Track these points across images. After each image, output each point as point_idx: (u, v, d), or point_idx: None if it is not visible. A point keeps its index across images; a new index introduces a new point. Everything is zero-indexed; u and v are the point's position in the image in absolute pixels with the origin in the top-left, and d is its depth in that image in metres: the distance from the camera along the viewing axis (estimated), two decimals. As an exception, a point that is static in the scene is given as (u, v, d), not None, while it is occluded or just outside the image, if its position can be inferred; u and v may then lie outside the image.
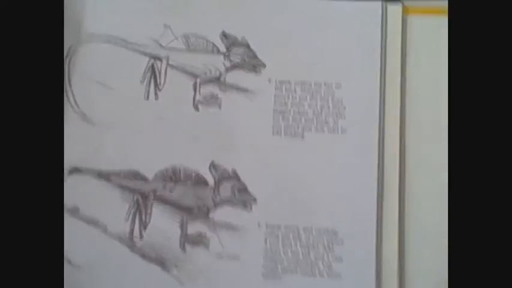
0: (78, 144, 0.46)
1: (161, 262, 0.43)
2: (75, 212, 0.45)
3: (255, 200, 0.43)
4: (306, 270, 0.42)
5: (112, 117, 0.47)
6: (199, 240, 0.44)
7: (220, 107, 0.46)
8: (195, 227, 0.44)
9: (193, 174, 0.45)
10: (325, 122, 0.44)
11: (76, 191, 0.45)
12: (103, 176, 0.46)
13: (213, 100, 0.46)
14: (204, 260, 0.43)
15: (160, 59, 0.48)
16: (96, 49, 0.49)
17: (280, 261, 0.42)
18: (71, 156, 0.46)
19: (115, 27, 0.49)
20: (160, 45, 0.48)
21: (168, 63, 0.47)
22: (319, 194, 0.43)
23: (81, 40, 0.48)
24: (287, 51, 0.46)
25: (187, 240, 0.44)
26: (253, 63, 0.47)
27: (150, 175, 0.45)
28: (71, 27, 0.49)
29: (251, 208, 0.43)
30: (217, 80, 0.47)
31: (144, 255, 0.43)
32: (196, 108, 0.46)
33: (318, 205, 0.43)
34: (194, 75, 0.47)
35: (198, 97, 0.46)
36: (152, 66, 0.48)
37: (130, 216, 0.45)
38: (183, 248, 0.44)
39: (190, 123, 0.46)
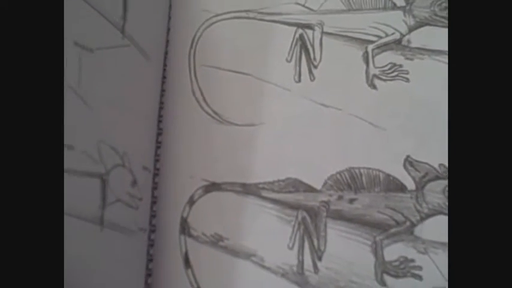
0: (213, 153, 0.33)
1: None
2: (217, 240, 0.31)
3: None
4: None
5: (252, 111, 0.34)
6: (405, 270, 0.29)
7: (407, 80, 0.32)
8: (395, 251, 0.29)
9: (381, 177, 0.31)
10: None
11: (215, 213, 0.32)
12: (250, 190, 0.32)
13: (395, 72, 0.32)
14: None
15: (311, 27, 0.35)
16: (221, 30, 0.36)
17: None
18: (205, 171, 0.32)
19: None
20: (310, 9, 0.35)
21: (322, 31, 0.34)
22: None
23: (204, 26, 0.36)
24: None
25: (387, 270, 0.29)
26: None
27: (317, 183, 0.31)
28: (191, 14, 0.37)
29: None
30: (397, 45, 0.33)
31: (324, 297, 0.29)
32: (373, 86, 0.32)
33: None
34: (363, 43, 0.33)
35: (372, 71, 0.33)
36: (301, 37, 0.34)
37: (297, 242, 0.30)
38: (381, 282, 0.29)
39: (366, 107, 0.32)
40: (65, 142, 0.28)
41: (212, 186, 0.34)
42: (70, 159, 0.28)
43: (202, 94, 0.36)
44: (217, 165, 0.34)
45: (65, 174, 0.28)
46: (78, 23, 0.31)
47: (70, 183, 0.28)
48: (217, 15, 0.37)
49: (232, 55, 0.36)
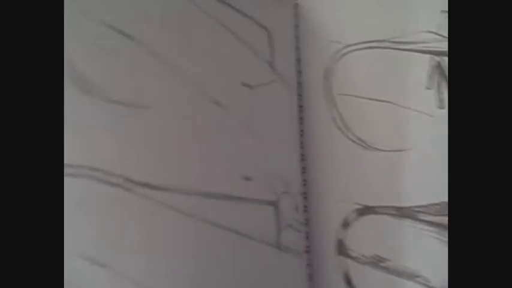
0: (363, 178, 0.35)
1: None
2: (378, 261, 0.33)
3: None
4: None
5: (398, 137, 0.35)
6: None
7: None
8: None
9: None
10: None
11: (373, 235, 0.34)
12: (405, 213, 0.34)
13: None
14: None
15: (447, 54, 0.36)
16: (356, 60, 0.38)
17: None
18: (356, 195, 0.35)
19: (372, 29, 0.38)
20: (443, 36, 0.36)
21: (460, 58, 0.36)
22: None
23: (336, 56, 0.38)
24: None
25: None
26: None
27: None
28: (319, 45, 0.39)
29: None
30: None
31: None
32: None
33: None
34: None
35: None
36: (438, 65, 0.36)
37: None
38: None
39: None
40: (244, 174, 0.31)
41: (366, 210, 0.36)
42: (249, 190, 0.31)
43: (343, 122, 0.38)
44: (368, 189, 0.36)
45: (242, 202, 0.30)
46: (241, 64, 0.33)
47: (250, 210, 0.30)
48: (348, 45, 0.39)
49: (371, 83, 0.38)
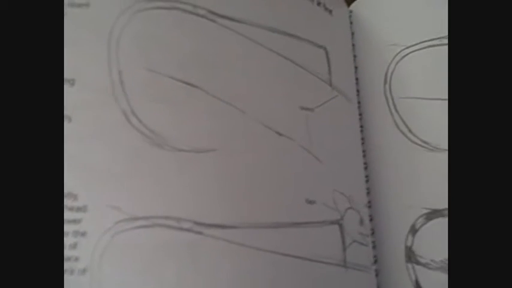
0: (430, 181, 0.34)
1: None
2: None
3: None
4: None
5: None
6: None
7: None
8: None
9: None
10: None
11: (441, 239, 0.32)
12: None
13: None
14: None
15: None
16: (417, 61, 0.37)
17: None
18: (423, 199, 0.33)
19: (430, 26, 0.37)
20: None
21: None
22: None
23: (395, 59, 0.37)
24: None
25: None
26: None
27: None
28: (377, 50, 0.38)
29: None
30: None
31: None
32: None
33: None
34: None
35: None
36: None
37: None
38: None
39: None
40: (306, 197, 0.30)
41: (434, 214, 0.34)
42: (312, 213, 0.30)
43: (407, 126, 0.36)
44: (436, 192, 0.34)
45: (308, 226, 0.30)
46: (300, 89, 0.33)
47: (315, 233, 0.30)
48: (407, 47, 0.38)
49: (432, 83, 0.37)
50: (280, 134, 0.32)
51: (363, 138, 0.38)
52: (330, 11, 0.38)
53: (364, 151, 0.38)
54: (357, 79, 0.40)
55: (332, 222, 0.32)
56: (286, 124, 0.32)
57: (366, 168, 0.38)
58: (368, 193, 0.37)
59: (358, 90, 0.39)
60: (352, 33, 0.41)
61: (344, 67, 0.38)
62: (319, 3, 0.37)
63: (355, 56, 0.40)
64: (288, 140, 0.32)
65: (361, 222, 0.34)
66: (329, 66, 0.36)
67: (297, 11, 0.36)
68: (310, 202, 0.31)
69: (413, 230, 0.34)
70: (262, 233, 0.29)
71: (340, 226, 0.32)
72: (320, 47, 0.36)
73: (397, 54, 0.38)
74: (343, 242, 0.32)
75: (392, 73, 0.38)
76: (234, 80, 0.31)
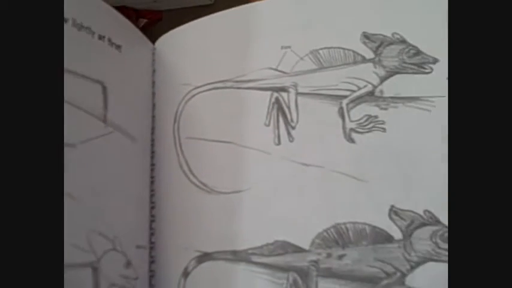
0: (204, 224, 0.34)
1: None
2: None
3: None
4: None
5: (238, 178, 0.34)
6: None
7: (384, 130, 0.32)
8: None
9: (367, 230, 0.30)
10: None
11: (209, 283, 0.32)
12: (241, 257, 0.32)
13: (371, 124, 0.32)
14: None
15: (285, 90, 0.35)
16: (202, 102, 0.37)
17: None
18: (197, 242, 0.33)
19: (218, 69, 0.37)
20: (282, 72, 0.36)
21: (297, 92, 0.35)
22: None
23: (185, 99, 0.37)
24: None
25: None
26: (417, 62, 0.33)
27: (305, 243, 0.32)
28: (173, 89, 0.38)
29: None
30: (371, 96, 0.33)
31: None
32: (351, 140, 0.33)
33: None
34: (337, 98, 0.34)
35: (349, 125, 0.33)
36: (277, 101, 0.35)
37: (291, 305, 0.30)
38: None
39: (346, 161, 0.32)
40: None
41: (204, 257, 0.34)
42: None
43: (188, 166, 0.36)
44: (208, 235, 0.34)
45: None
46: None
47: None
48: (196, 87, 0.38)
49: (214, 125, 0.37)
50: None
51: (153, 177, 0.38)
52: (118, 47, 0.38)
53: (153, 190, 0.38)
54: (153, 117, 0.39)
55: (83, 265, 0.31)
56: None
57: (153, 207, 0.37)
58: (153, 234, 0.37)
59: (153, 128, 0.39)
60: (154, 70, 0.40)
61: (127, 103, 0.37)
62: (101, 38, 0.36)
63: (154, 94, 0.40)
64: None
65: (128, 264, 0.33)
66: (105, 101, 0.35)
67: (75, 45, 0.34)
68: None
69: (186, 273, 0.34)
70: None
71: (95, 269, 0.31)
72: (96, 81, 0.35)
73: (188, 93, 0.38)
74: (97, 285, 0.31)
75: (181, 112, 0.38)
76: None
